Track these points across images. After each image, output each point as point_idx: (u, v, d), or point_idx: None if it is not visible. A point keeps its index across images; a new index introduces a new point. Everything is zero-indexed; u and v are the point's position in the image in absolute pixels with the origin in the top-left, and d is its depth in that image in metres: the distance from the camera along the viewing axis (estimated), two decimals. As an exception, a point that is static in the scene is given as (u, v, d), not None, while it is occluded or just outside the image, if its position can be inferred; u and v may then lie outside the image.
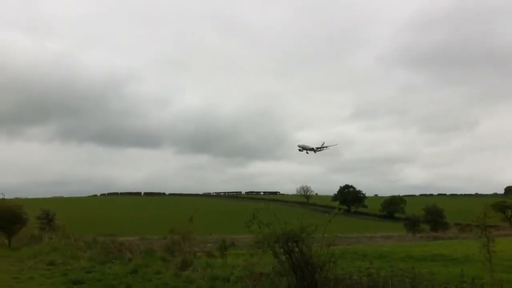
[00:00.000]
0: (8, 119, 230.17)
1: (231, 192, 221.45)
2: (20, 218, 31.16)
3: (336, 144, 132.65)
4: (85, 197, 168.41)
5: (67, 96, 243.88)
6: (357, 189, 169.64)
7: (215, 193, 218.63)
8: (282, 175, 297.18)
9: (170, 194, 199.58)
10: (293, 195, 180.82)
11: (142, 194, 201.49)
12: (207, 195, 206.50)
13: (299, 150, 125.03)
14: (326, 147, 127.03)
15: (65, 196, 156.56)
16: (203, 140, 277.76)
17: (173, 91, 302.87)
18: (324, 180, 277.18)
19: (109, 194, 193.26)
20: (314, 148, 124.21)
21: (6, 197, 39.10)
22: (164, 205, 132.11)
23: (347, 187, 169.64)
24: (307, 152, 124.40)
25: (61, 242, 29.38)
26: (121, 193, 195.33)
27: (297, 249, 13.92)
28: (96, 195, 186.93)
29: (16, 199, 52.07)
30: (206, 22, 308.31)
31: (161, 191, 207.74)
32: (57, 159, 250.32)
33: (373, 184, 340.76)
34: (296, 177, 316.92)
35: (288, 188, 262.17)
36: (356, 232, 76.85)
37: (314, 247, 14.11)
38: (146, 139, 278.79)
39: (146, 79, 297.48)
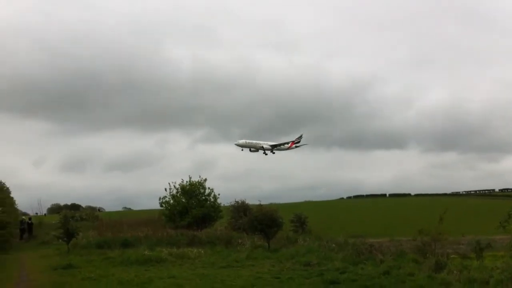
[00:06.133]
0: (265, 131, 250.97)
1: (483, 190, 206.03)
2: (276, 221, 33.44)
3: (301, 135, 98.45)
4: (332, 200, 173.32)
5: (314, 106, 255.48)
6: None
7: (465, 191, 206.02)
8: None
9: (416, 195, 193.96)
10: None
11: (387, 195, 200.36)
12: (455, 194, 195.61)
13: (251, 150, 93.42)
14: (288, 143, 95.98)
15: (314, 200, 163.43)
16: (450, 137, 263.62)
17: (417, 90, 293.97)
18: None
19: (354, 196, 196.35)
20: (266, 146, 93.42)
21: (262, 203, 42.40)
22: (410, 206, 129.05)
23: None
24: (265, 153, 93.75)
25: (314, 244, 30.90)
26: (366, 195, 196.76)
27: None
28: (342, 198, 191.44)
29: (271, 204, 56.10)
30: (447, 16, 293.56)
31: (407, 191, 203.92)
32: (307, 165, 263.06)
33: None
34: None
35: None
36: None
37: None
38: (391, 140, 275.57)
39: (389, 81, 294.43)
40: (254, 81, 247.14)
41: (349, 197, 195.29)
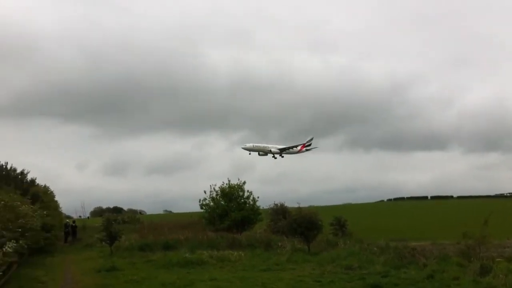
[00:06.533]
0: (302, 133, 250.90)
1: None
2: (316, 224, 33.28)
3: (311, 138, 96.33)
4: (372, 203, 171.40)
5: (352, 107, 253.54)
6: None
7: (509, 193, 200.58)
8: None
9: (459, 197, 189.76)
10: None
11: (429, 198, 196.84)
12: (500, 196, 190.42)
13: (260, 154, 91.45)
14: (297, 146, 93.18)
15: (353, 202, 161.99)
16: (493, 137, 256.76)
17: (458, 89, 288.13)
18: None
19: (395, 199, 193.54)
20: (274, 149, 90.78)
21: (301, 205, 42.27)
22: (453, 209, 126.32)
23: None
24: (274, 157, 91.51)
25: (355, 247, 30.61)
26: (407, 198, 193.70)
27: None
28: (382, 201, 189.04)
29: (310, 207, 55.90)
30: (487, 13, 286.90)
31: (449, 194, 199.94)
32: (345, 167, 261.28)
33: None
34: None
35: None
36: None
37: None
38: (431, 141, 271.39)
39: (429, 81, 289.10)
40: (291, 83, 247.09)
41: (390, 200, 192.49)
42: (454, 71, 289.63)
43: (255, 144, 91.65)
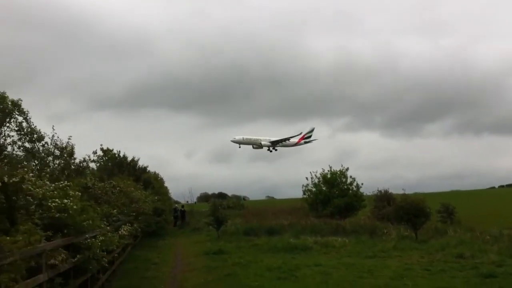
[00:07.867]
0: (407, 118, 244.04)
1: None
2: (423, 211, 32.24)
3: (313, 129, 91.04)
4: (482, 189, 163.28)
5: (462, 90, 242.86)
6: None
7: None
8: None
9: None
10: None
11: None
12: None
13: (254, 147, 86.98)
14: (288, 139, 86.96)
15: (461, 189, 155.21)
16: None
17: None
18: None
19: (507, 185, 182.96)
20: (264, 142, 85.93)
21: (406, 192, 41.11)
22: None
23: None
24: (269, 150, 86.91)
25: (466, 236, 29.35)
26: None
27: None
28: (493, 187, 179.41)
29: (415, 193, 54.16)
30: None
31: None
32: (454, 152, 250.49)
33: None
34: None
35: None
36: None
37: None
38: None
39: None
40: (397, 68, 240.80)
41: (502, 186, 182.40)
42: None
43: (245, 137, 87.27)
